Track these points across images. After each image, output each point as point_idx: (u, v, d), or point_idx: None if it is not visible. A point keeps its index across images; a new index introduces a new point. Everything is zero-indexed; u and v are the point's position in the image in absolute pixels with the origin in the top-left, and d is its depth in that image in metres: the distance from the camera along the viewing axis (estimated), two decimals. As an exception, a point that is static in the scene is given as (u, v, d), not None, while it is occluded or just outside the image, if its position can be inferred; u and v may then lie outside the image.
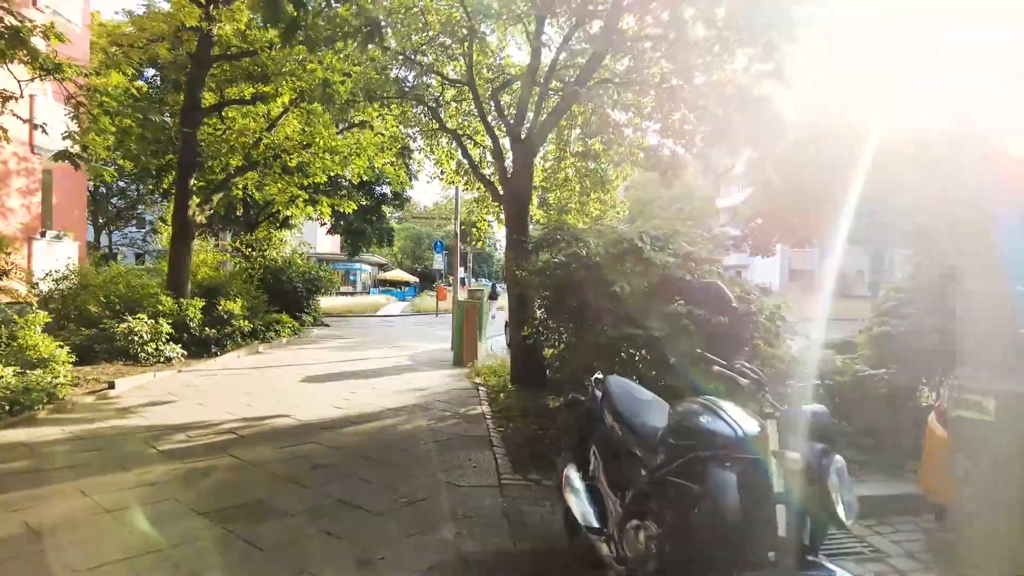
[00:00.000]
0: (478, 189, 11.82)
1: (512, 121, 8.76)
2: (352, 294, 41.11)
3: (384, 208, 27.00)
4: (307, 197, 13.36)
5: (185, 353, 10.14)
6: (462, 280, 52.78)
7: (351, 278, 48.82)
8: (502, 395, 7.65)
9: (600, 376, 3.35)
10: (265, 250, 16.24)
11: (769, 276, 55.68)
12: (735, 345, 4.53)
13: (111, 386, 7.24)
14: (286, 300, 16.36)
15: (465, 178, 11.55)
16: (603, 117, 10.62)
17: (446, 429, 6.02)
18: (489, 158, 11.05)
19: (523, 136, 8.67)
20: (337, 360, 11.19)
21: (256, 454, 4.94)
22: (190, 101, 11.50)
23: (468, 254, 16.84)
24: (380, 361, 11.20)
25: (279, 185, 13.42)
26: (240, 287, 13.35)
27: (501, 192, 8.98)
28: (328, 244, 47.67)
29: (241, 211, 23.80)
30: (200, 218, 12.07)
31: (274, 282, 16.16)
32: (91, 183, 29.07)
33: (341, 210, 14.08)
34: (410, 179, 22.01)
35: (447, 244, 33.57)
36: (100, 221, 33.26)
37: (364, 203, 26.72)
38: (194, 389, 7.75)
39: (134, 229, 38.36)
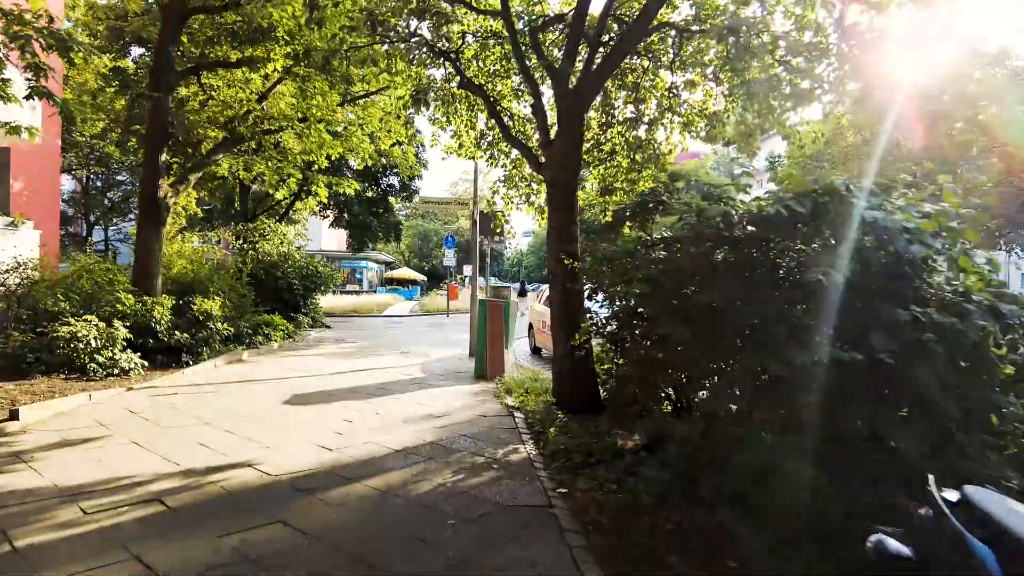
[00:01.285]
0: (504, 166, 9.85)
1: (558, 66, 6.78)
2: (358, 293, 39.32)
3: (391, 200, 25.10)
4: (299, 177, 11.42)
5: (146, 364, 8.24)
6: (470, 279, 50.88)
7: (357, 276, 47.07)
8: (548, 427, 5.68)
9: (932, 486, 1.37)
10: (256, 242, 14.38)
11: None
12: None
13: (13, 416, 5.31)
14: (281, 299, 14.48)
15: (489, 151, 9.58)
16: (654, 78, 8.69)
17: (482, 492, 4.05)
18: (521, 122, 9.09)
19: (572, 84, 6.70)
20: (334, 371, 9.26)
21: (177, 554, 2.98)
22: (161, 61, 9.60)
23: (487, 247, 14.80)
24: (386, 373, 9.26)
25: (270, 164, 11.48)
26: (225, 283, 11.46)
27: (542, 160, 7.01)
28: (333, 241, 45.93)
29: (239, 203, 22.04)
30: (174, 200, 10.18)
31: (267, 279, 14.28)
32: (81, 175, 27.40)
33: (340, 192, 12.14)
34: (419, 163, 20.11)
35: (461, 238, 31.77)
36: (94, 216, 31.66)
37: (369, 195, 24.86)
38: (138, 418, 5.83)
39: (131, 223, 36.76)
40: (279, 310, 14.10)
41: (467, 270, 47.93)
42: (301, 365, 9.78)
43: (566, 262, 6.30)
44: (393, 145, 15.50)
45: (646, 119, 9.14)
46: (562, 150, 6.60)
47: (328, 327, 17.11)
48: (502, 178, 9.81)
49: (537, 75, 7.39)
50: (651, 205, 4.27)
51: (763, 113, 8.04)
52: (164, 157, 9.91)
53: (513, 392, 7.59)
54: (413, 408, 6.65)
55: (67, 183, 27.98)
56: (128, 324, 8.40)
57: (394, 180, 25.05)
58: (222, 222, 20.96)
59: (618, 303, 4.90)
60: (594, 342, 6.14)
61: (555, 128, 7.01)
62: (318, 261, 15.76)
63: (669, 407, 5.74)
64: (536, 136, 7.91)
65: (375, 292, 41.98)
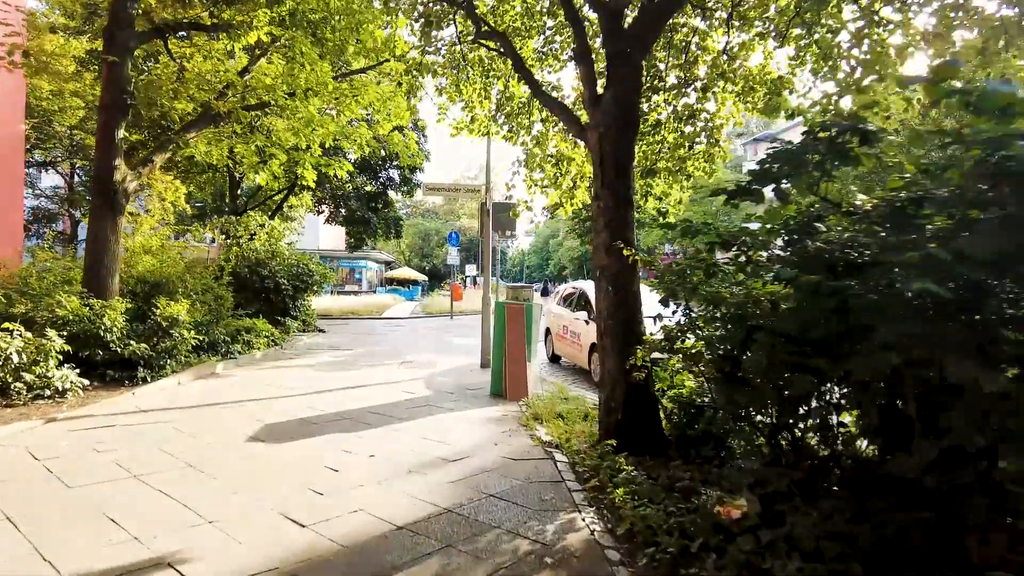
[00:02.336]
0: (523, 144, 8.29)
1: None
2: (357, 293, 37.83)
3: (391, 194, 23.53)
4: (283, 159, 9.83)
5: (86, 383, 6.68)
6: (474, 279, 49.29)
7: (356, 276, 45.63)
8: (606, 477, 4.13)
9: None
10: (240, 237, 12.82)
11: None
12: None
13: None
14: (267, 301, 12.92)
15: (507, 124, 8.01)
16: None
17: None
18: (562, 77, 7.54)
19: (629, 24, 5.15)
20: (321, 389, 7.70)
21: None
22: (116, 16, 8.05)
23: (498, 242, 13.23)
24: (384, 390, 7.70)
25: (255, 144, 9.84)
26: (200, 283, 9.90)
27: (587, 121, 5.45)
28: (331, 240, 44.45)
29: (228, 198, 20.50)
30: (136, 184, 8.62)
31: (252, 278, 12.71)
32: (66, 169, 25.85)
33: (331, 175, 10.56)
34: (421, 152, 18.54)
35: (465, 236, 30.31)
36: (81, 212, 30.09)
37: (368, 189, 23.29)
38: (38, 469, 4.25)
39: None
40: (265, 313, 12.55)
41: (470, 270, 46.50)
42: (283, 380, 8.21)
43: (626, 252, 4.74)
44: (393, 131, 13.95)
45: (698, 84, 7.58)
46: (614, 107, 5.04)
47: (322, 331, 15.56)
48: (520, 159, 8.24)
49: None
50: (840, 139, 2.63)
51: (846, 78, 6.49)
52: (122, 133, 8.35)
53: (544, 420, 6.03)
54: (419, 445, 5.09)
55: (54, 179, 26.47)
56: (69, 333, 6.85)
57: (394, 173, 23.49)
58: (212, 216, 19.44)
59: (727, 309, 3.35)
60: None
61: (602, 83, 5.45)
62: (310, 258, 14.19)
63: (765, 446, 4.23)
64: (570, 104, 6.34)
65: (374, 292, 40.51)
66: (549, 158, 7.77)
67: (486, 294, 10.10)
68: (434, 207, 79.07)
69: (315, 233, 40.30)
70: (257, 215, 13.71)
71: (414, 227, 68.85)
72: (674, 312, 4.53)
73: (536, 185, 7.89)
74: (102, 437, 4.99)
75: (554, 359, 11.56)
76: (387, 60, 11.04)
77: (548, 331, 11.85)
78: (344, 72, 11.31)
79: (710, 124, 7.70)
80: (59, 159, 24.12)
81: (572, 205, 8.11)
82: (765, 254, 3.17)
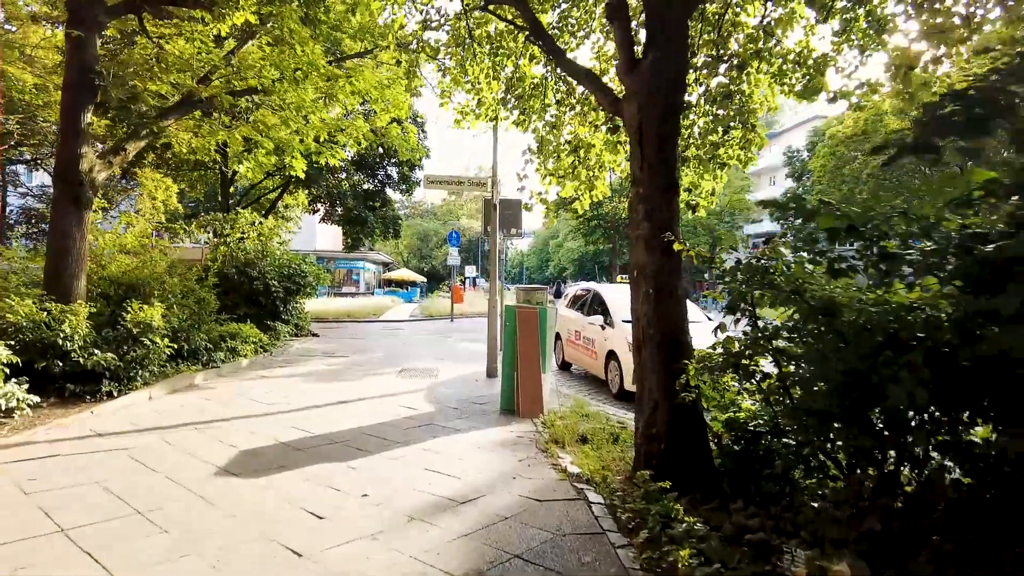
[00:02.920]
0: (534, 131, 7.44)
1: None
2: (354, 295, 37.00)
3: (389, 193, 22.67)
4: (270, 147, 8.94)
5: (38, 400, 5.81)
6: (473, 280, 48.39)
7: (354, 277, 44.76)
8: (660, 531, 3.29)
9: None
10: (228, 235, 11.95)
11: (806, 276, 50.79)
12: None
13: None
14: (257, 303, 12.05)
15: (519, 107, 7.16)
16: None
17: None
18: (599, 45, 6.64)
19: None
20: (310, 404, 6.84)
21: None
22: (82, -13, 7.20)
23: (504, 240, 12.38)
24: (381, 406, 6.85)
25: (241, 132, 8.92)
26: (180, 285, 9.03)
27: (622, 92, 4.62)
28: (328, 240, 43.62)
29: (220, 196, 19.67)
30: (105, 175, 7.77)
31: (240, 279, 11.85)
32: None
33: (322, 163, 9.66)
34: (421, 147, 17.68)
35: (464, 236, 29.61)
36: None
37: (366, 187, 22.44)
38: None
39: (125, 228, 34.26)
40: (254, 317, 11.69)
41: (469, 271, 45.70)
42: (269, 393, 7.35)
43: (677, 246, 3.92)
44: (391, 123, 13.11)
45: (734, 61, 6.74)
46: (656, 72, 4.21)
47: (315, 335, 14.70)
48: (533, 147, 7.39)
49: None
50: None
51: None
52: (90, 118, 7.50)
53: (566, 444, 5.19)
54: (421, 480, 4.24)
55: (45, 178, 25.59)
56: (21, 341, 6.00)
57: (392, 171, 22.63)
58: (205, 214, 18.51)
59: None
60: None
61: (639, 50, 4.62)
62: (303, 258, 13.33)
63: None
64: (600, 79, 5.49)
65: (372, 294, 39.69)
66: (566, 145, 6.93)
67: (493, 297, 9.26)
68: (433, 207, 78.22)
69: (311, 233, 39.47)
70: (247, 212, 12.84)
71: (413, 228, 68.04)
72: (737, 321, 3.71)
73: (551, 175, 7.04)
74: (36, 472, 4.13)
75: (564, 366, 10.72)
76: (386, 47, 10.22)
77: (558, 336, 11.02)
78: (339, 57, 10.48)
79: (745, 107, 6.86)
80: (47, 156, 23.24)
81: (590, 198, 7.27)
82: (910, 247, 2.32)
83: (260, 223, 13.05)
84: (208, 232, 12.59)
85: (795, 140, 48.12)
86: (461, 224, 62.32)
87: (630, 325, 8.76)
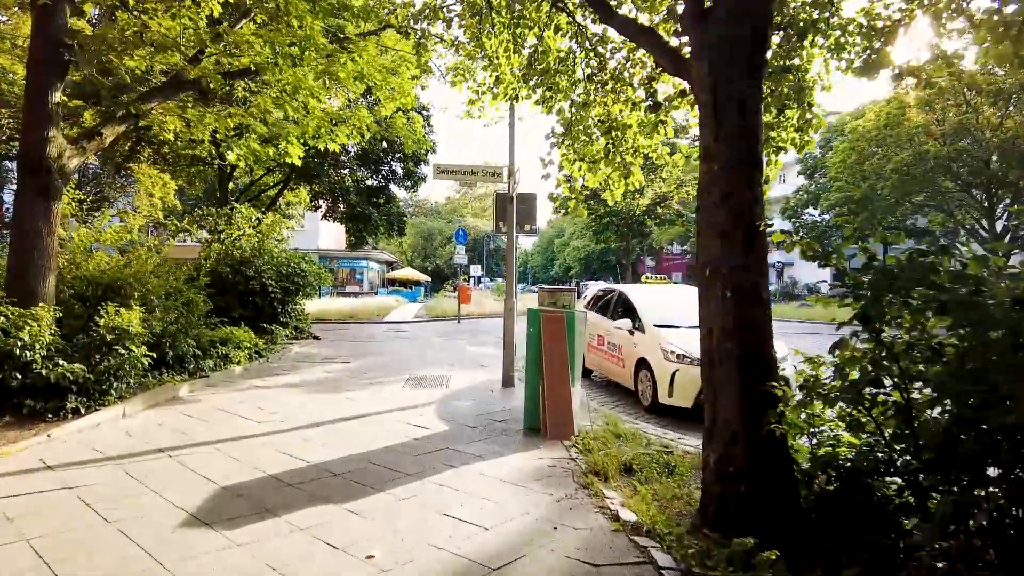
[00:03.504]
0: (559, 112, 6.55)
1: None
2: (357, 294, 36.24)
3: (393, 189, 21.82)
4: (263, 131, 8.05)
5: (-15, 420, 4.99)
6: (477, 279, 47.47)
7: (357, 277, 44.00)
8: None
9: None
10: (222, 231, 11.13)
11: (817, 275, 49.90)
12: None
13: None
14: (253, 305, 11.23)
15: (543, 85, 6.28)
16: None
17: None
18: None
19: None
20: (306, 423, 6.00)
21: None
22: (49, -51, 6.36)
23: (517, 236, 11.41)
24: (385, 425, 5.99)
25: (231, 115, 7.98)
26: (165, 285, 8.20)
27: (685, 52, 3.75)
28: (331, 239, 42.91)
29: (219, 192, 18.93)
30: (78, 162, 6.93)
31: (235, 279, 11.02)
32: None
33: (320, 148, 8.76)
34: (427, 138, 16.87)
35: (472, 234, 28.95)
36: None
37: (369, 183, 21.62)
38: None
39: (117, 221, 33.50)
40: (249, 320, 10.87)
41: (475, 270, 44.87)
42: (260, 408, 6.51)
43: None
44: (396, 112, 12.29)
45: (791, 30, 5.86)
46: (735, 21, 3.35)
47: (316, 338, 13.86)
48: (558, 129, 6.51)
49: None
50: None
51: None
52: (59, 98, 6.66)
53: (609, 476, 4.33)
54: (441, 531, 3.38)
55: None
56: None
57: (397, 166, 21.80)
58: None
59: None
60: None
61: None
62: (302, 257, 12.50)
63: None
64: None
65: (376, 294, 38.93)
66: (600, 123, 6.04)
67: (510, 298, 8.41)
68: (437, 206, 77.42)
69: (314, 231, 38.74)
70: (244, 207, 12.02)
71: (417, 227, 67.34)
72: (854, 335, 2.85)
73: (582, 160, 6.16)
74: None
75: (584, 373, 9.85)
76: (392, 25, 9.38)
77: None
78: (340, 37, 9.62)
79: (803, 83, 5.96)
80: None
81: (624, 186, 6.39)
82: None
83: (258, 219, 12.22)
84: (203, 229, 11.77)
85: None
86: (466, 223, 61.49)
87: (664, 331, 7.93)
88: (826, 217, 42.73)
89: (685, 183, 22.49)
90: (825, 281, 47.20)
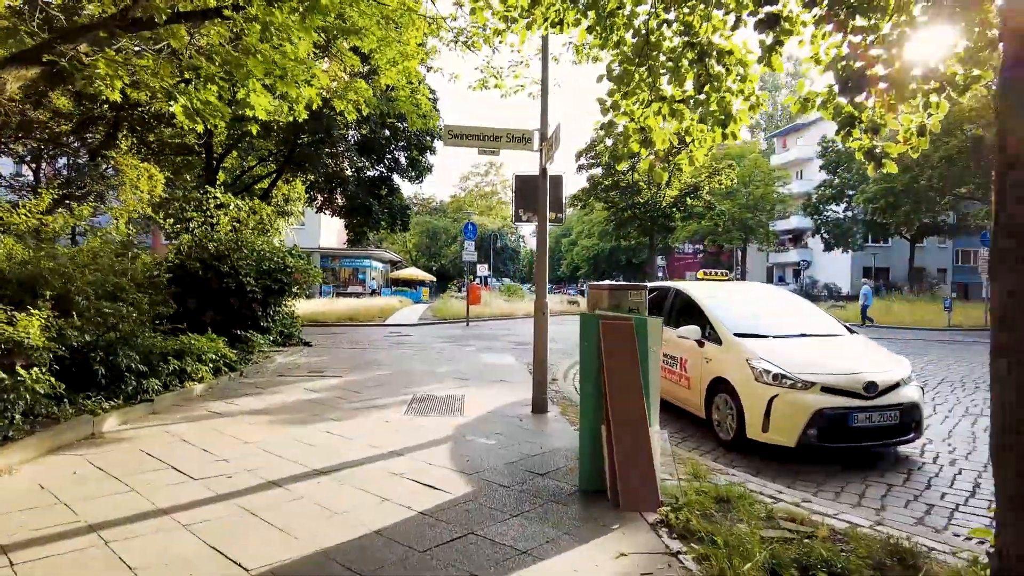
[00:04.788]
0: (618, 54, 4.66)
1: None
2: (359, 295, 34.51)
3: (395, 179, 20.00)
4: (222, 85, 6.11)
5: None
6: (484, 279, 45.59)
7: (359, 276, 42.30)
8: None
9: None
10: (190, 218, 9.33)
11: (837, 274, 47.75)
12: None
13: None
14: (227, 307, 9.42)
15: (591, 13, 4.41)
16: None
17: None
18: None
19: None
20: (256, 482, 4.16)
21: None
22: None
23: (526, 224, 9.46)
24: (374, 484, 4.14)
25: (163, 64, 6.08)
26: (108, 283, 6.40)
27: None
28: (334, 237, 41.24)
29: (206, 181, 17.16)
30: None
31: (206, 275, 9.22)
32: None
33: (293, 95, 6.76)
34: (435, 112, 15.02)
35: (480, 231, 27.35)
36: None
37: (370, 173, 19.83)
38: None
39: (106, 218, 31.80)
40: (222, 325, 9.07)
41: (481, 269, 43.05)
42: (202, 454, 4.68)
43: None
44: (397, 79, 10.47)
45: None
46: None
47: (308, 345, 12.05)
48: (616, 69, 4.61)
49: None
50: None
51: None
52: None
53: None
54: None
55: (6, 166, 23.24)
56: None
57: (401, 156, 20.00)
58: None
59: None
60: None
61: None
62: (288, 251, 10.68)
63: None
64: None
65: (379, 294, 37.21)
66: (689, 46, 4.16)
67: (541, 297, 6.56)
68: (442, 205, 75.64)
69: (315, 229, 37.06)
70: (218, 192, 10.21)
71: (422, 225, 65.60)
72: None
73: (661, 101, 4.28)
74: None
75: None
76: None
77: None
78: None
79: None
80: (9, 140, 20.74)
81: (712, 139, 4.51)
82: None
83: (237, 207, 10.40)
84: (168, 217, 9.97)
85: (825, 131, 45.00)
86: (473, 220, 59.63)
87: (752, 343, 5.94)
88: (850, 213, 40.73)
89: (718, 171, 20.53)
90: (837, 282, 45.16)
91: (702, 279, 8.74)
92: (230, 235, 9.95)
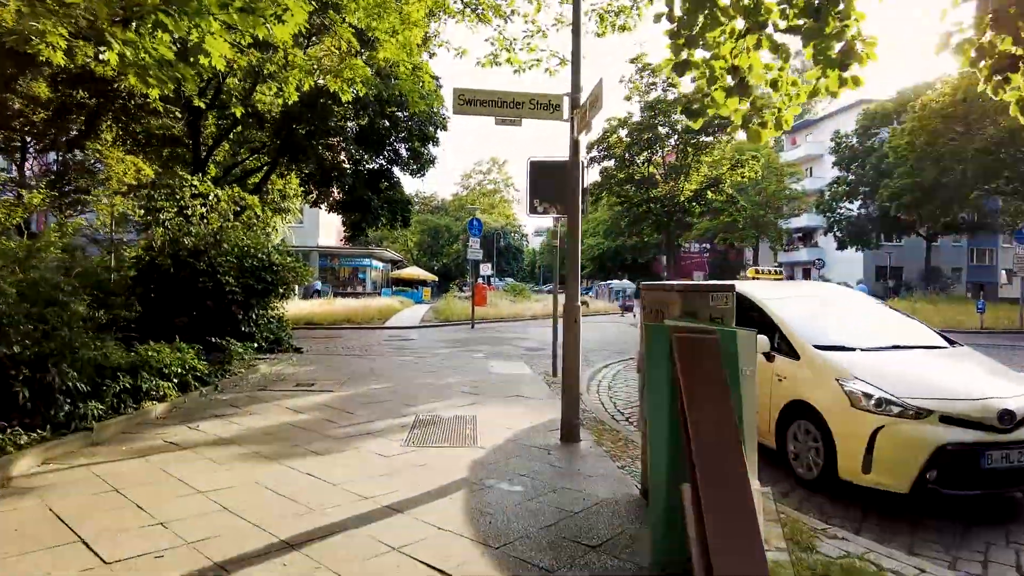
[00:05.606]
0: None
1: None
2: (358, 295, 33.37)
3: (396, 172, 18.77)
4: (169, 24, 4.87)
5: None
6: (487, 279, 44.33)
7: (360, 276, 41.16)
8: None
9: None
10: (159, 208, 8.17)
11: (851, 273, 46.41)
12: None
13: None
14: (203, 310, 8.26)
15: None
16: None
17: None
18: None
19: None
20: (205, 562, 2.97)
21: None
22: None
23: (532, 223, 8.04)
24: (359, 569, 2.96)
25: None
26: (37, 280, 5.23)
27: None
28: (333, 236, 40.07)
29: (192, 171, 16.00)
30: None
31: (179, 273, 8.05)
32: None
33: (261, 35, 5.54)
34: (437, 90, 13.89)
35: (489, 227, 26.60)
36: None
37: (369, 166, 18.63)
38: None
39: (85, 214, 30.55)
40: (198, 330, 7.90)
41: (484, 269, 41.89)
42: (135, 513, 3.50)
43: None
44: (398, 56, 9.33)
45: None
46: None
47: (298, 351, 10.88)
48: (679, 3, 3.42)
49: None
50: None
51: None
52: None
53: None
54: None
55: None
56: None
57: (401, 147, 18.78)
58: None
59: None
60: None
61: None
62: (274, 247, 9.50)
63: None
64: None
65: (379, 294, 36.06)
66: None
67: (573, 300, 5.38)
68: (443, 203, 74.40)
69: (313, 227, 35.93)
70: (195, 179, 9.02)
71: (423, 224, 64.41)
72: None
73: (760, 29, 3.10)
74: None
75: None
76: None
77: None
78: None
79: None
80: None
81: (838, 81, 3.31)
82: None
83: (216, 197, 9.21)
84: (140, 208, 8.80)
85: (837, 127, 43.72)
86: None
87: (841, 357, 3.53)
88: (864, 211, 39.43)
89: (741, 162, 19.30)
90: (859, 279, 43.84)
91: (754, 278, 7.50)
92: (208, 228, 8.76)
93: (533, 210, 9.20)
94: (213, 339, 7.72)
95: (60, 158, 21.81)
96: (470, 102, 5.27)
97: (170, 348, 6.44)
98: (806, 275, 51.95)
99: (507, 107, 5.27)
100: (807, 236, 53.50)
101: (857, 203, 38.77)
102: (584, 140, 5.40)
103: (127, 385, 5.47)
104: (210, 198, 9.13)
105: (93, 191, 17.48)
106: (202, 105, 10.02)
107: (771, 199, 38.09)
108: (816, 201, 41.44)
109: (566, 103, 5.32)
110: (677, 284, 3.55)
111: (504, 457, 4.74)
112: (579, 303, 5.39)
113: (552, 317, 9.30)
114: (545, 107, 5.31)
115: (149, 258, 8.20)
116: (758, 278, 7.27)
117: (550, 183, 8.97)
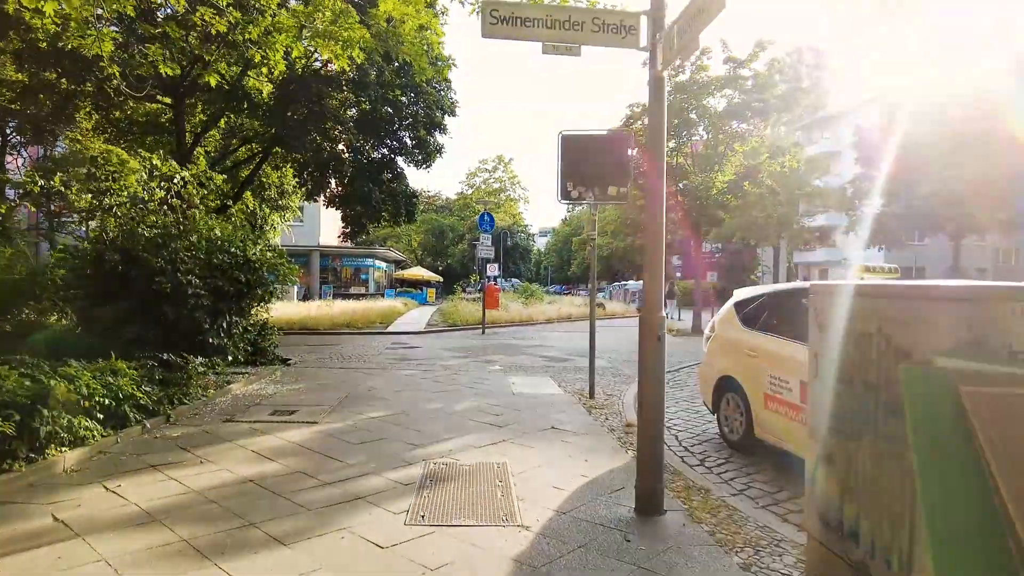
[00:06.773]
0: None
1: None
2: (361, 296, 31.81)
3: (399, 162, 17.15)
4: None
5: None
6: (493, 279, 42.72)
7: (362, 276, 39.60)
8: None
9: None
10: (105, 190, 6.55)
11: (870, 275, 44.27)
12: None
13: None
14: (157, 318, 6.63)
15: None
16: None
17: None
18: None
19: None
20: None
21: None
22: None
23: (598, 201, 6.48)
24: None
25: None
26: None
27: None
28: (335, 235, 38.50)
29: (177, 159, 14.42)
30: None
31: (128, 273, 6.44)
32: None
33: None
34: (447, 62, 12.25)
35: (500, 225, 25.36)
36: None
37: (372, 155, 17.02)
38: None
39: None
40: (149, 343, 6.27)
41: (491, 269, 40.17)
42: None
43: None
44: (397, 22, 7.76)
45: None
46: None
47: (285, 363, 9.27)
48: None
49: None
50: None
51: None
52: None
53: None
54: None
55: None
56: None
57: (405, 136, 17.15)
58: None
59: None
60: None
61: None
62: (251, 241, 7.86)
63: None
64: None
65: (382, 295, 34.49)
66: None
67: (655, 311, 3.71)
68: (448, 202, 72.71)
69: (314, 226, 34.34)
70: (154, 157, 7.41)
71: (427, 223, 62.85)
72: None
73: None
74: None
75: (745, 438, 5.14)
76: None
77: (727, 383, 5.49)
78: None
79: None
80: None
81: None
82: None
83: (179, 180, 7.57)
84: (87, 193, 7.19)
85: (856, 122, 41.84)
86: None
87: None
88: (887, 209, 37.52)
89: (783, 149, 17.59)
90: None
91: (865, 276, 5.92)
92: (171, 217, 7.15)
93: (566, 195, 7.57)
94: (165, 355, 6.07)
95: (47, 152, 20.26)
96: (506, 20, 3.61)
97: (91, 370, 4.81)
98: (823, 277, 50.09)
99: (559, 27, 3.61)
100: (823, 236, 51.58)
101: (881, 200, 36.89)
102: (667, 79, 3.74)
103: (9, 431, 3.83)
104: (175, 180, 7.50)
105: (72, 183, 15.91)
106: (169, 71, 8.40)
107: (792, 195, 36.19)
108: (837, 198, 39.57)
109: (643, 24, 3.66)
110: (944, 286, 1.88)
111: (560, 546, 3.10)
112: (662, 313, 3.73)
113: (589, 321, 7.68)
114: (615, 29, 3.65)
115: (96, 253, 6.59)
116: (871, 274, 5.70)
117: (588, 160, 7.34)
